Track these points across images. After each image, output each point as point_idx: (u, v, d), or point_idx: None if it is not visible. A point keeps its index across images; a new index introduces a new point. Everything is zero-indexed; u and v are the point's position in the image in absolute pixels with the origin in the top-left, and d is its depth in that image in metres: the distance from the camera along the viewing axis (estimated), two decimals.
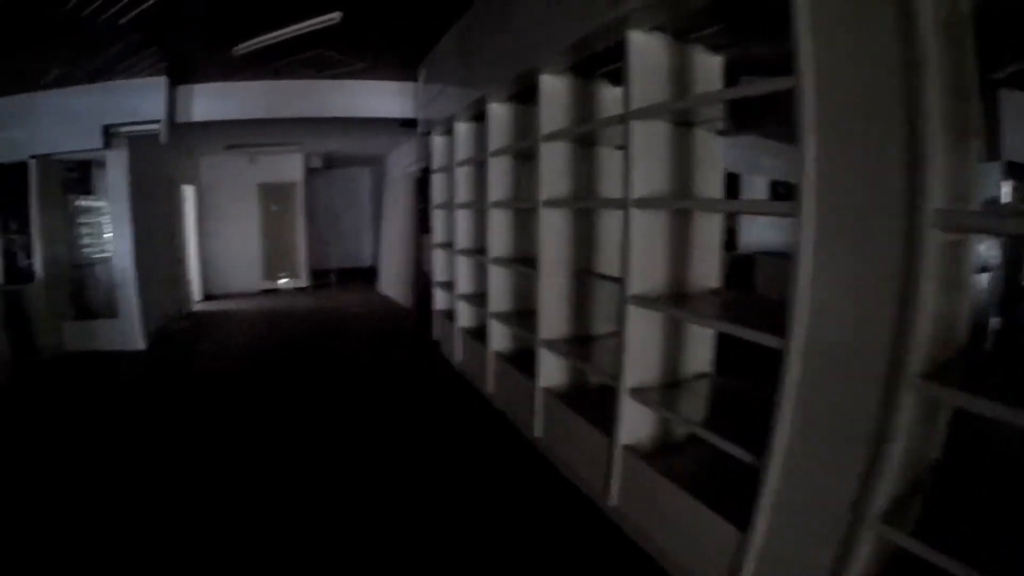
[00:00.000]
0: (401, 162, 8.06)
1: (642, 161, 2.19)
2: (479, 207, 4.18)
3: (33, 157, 5.44)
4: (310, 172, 9.66)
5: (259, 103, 5.79)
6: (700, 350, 2.44)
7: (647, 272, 2.24)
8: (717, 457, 1.91)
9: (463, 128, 4.52)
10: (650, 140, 2.21)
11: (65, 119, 5.29)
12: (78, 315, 5.94)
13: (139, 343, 5.74)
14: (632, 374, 2.25)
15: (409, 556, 2.18)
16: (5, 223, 5.66)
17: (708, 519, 1.82)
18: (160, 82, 5.26)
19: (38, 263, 5.55)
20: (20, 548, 2.22)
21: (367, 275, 10.26)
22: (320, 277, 9.89)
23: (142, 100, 5.25)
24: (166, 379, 4.87)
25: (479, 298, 4.24)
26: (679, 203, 2.25)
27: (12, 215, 5.62)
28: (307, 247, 9.58)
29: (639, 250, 2.22)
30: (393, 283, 8.56)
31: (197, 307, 8.17)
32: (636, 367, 2.26)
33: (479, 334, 4.18)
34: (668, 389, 2.30)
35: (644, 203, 2.18)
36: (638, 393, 2.23)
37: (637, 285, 2.22)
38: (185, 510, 2.50)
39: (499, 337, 3.87)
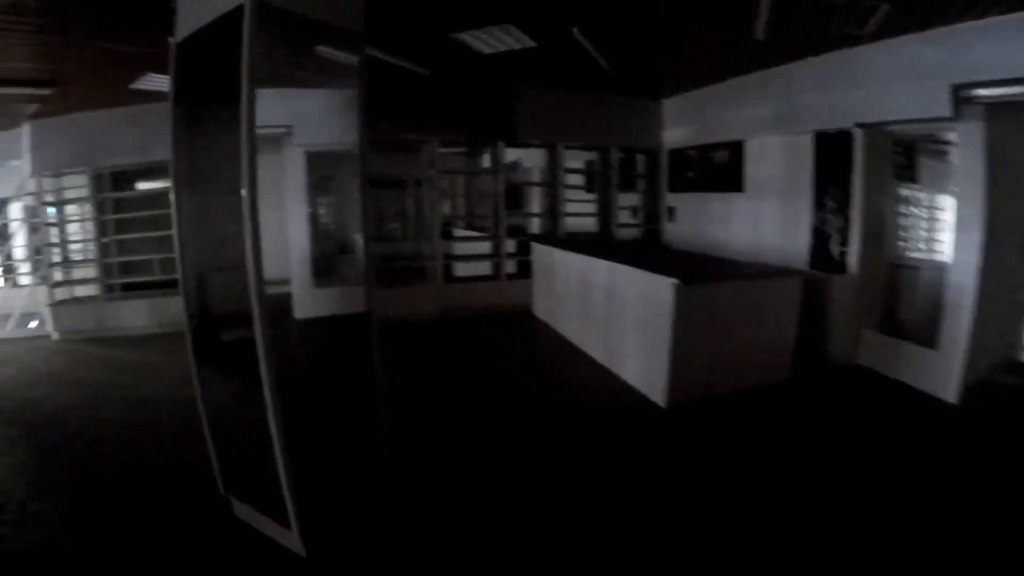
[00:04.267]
0: None
1: None
2: None
3: (859, 126, 4.37)
4: None
5: None
6: None
7: None
8: None
9: None
10: None
11: (898, 78, 3.99)
12: (883, 326, 4.57)
13: (950, 393, 3.86)
14: None
15: None
16: (820, 199, 4.72)
17: None
18: None
19: (853, 253, 4.47)
20: None
21: None
22: None
23: (1004, 48, 3.38)
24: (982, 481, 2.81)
25: None
26: None
27: (830, 191, 4.63)
28: None
29: None
30: None
31: None
32: None
33: None
34: None
35: None
36: None
37: None
38: None
39: None
